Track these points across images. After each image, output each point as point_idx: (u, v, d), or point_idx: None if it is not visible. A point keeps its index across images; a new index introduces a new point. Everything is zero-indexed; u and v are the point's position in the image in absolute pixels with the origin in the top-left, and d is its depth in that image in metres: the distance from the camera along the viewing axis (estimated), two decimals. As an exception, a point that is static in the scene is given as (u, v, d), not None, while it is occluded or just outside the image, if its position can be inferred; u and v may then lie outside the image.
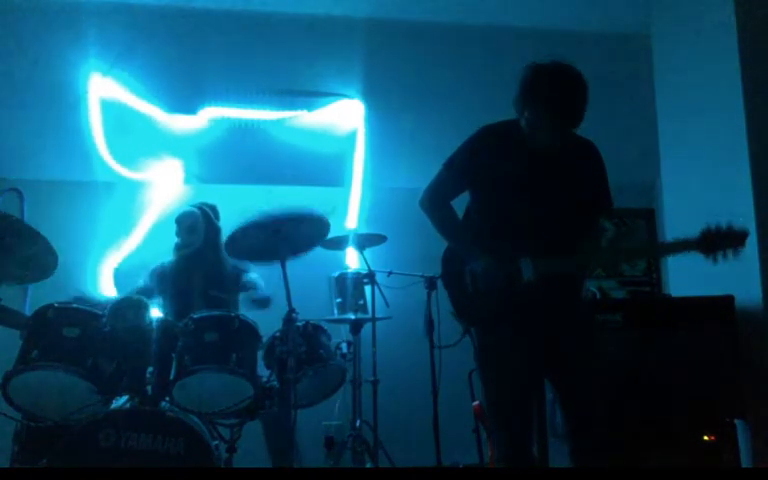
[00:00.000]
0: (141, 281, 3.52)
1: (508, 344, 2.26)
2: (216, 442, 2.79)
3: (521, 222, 2.29)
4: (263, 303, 3.37)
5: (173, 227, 3.54)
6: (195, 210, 3.49)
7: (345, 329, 3.85)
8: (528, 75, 2.19)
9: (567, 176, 2.30)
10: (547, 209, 2.28)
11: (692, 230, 2.21)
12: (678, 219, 4.03)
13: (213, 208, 3.57)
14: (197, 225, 3.45)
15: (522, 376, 2.27)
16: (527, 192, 2.28)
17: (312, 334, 3.16)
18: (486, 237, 2.32)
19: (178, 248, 3.48)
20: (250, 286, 3.47)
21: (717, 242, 2.12)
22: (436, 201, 2.42)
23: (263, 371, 3.00)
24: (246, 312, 3.08)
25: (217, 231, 3.49)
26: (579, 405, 2.25)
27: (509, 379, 2.26)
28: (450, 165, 2.39)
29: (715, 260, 2.13)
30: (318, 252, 3.63)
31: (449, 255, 2.50)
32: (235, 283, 3.48)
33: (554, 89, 2.15)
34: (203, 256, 3.43)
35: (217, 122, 4.33)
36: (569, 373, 2.28)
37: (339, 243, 3.75)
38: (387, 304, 3.70)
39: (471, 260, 2.30)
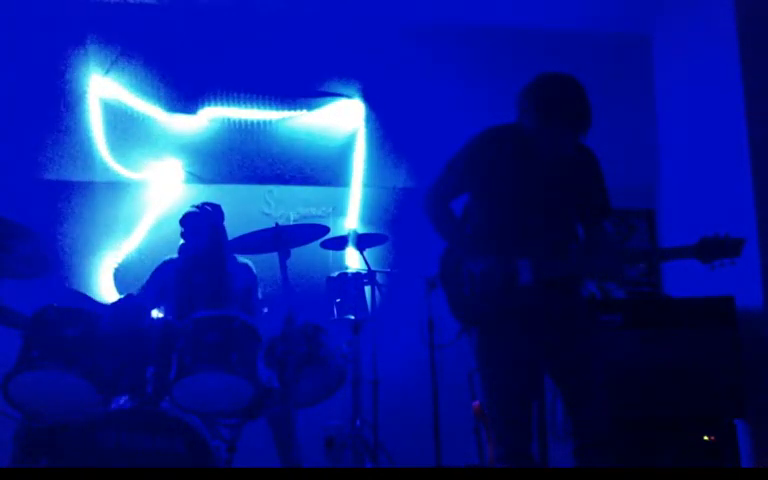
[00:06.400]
0: (144, 283, 3.49)
1: (506, 345, 2.27)
2: (216, 442, 2.79)
3: (520, 225, 2.30)
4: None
5: (174, 227, 3.52)
6: (198, 211, 3.43)
7: (345, 329, 3.85)
8: (544, 84, 2.22)
9: (568, 181, 2.32)
10: (547, 213, 2.30)
11: (692, 230, 2.24)
12: (678, 220, 4.03)
13: (217, 208, 3.51)
14: (201, 227, 3.40)
15: (521, 377, 2.28)
16: (528, 196, 2.29)
17: (312, 334, 3.15)
18: (485, 239, 2.34)
19: (182, 250, 3.45)
20: (252, 311, 3.39)
21: (714, 250, 2.16)
22: (435, 201, 2.44)
23: (263, 371, 3.00)
24: None
25: (222, 232, 3.44)
26: (583, 405, 2.25)
27: (508, 379, 2.27)
28: (451, 166, 2.41)
29: (712, 267, 2.18)
30: (318, 252, 3.64)
31: (447, 255, 2.51)
32: (240, 294, 3.43)
33: (571, 99, 2.19)
34: (207, 258, 3.39)
35: (217, 122, 4.33)
36: (572, 373, 2.28)
37: (339, 243, 3.74)
38: (387, 304, 3.70)
39: (469, 260, 2.31)
